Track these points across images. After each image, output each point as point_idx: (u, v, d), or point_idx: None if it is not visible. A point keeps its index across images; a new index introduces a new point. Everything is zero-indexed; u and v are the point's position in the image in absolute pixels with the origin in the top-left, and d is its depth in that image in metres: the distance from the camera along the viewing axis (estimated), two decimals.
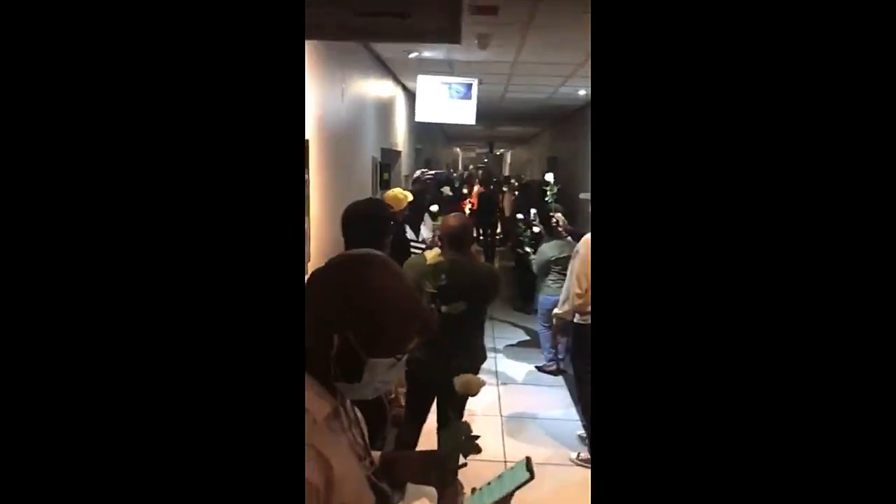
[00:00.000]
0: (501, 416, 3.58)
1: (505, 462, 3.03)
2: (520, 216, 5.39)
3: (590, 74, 5.35)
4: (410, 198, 3.69)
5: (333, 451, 0.77)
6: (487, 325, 5.04)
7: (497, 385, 4.04)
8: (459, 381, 1.18)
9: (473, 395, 1.17)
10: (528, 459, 0.90)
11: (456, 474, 0.96)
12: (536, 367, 4.37)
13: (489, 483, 0.90)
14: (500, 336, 5.12)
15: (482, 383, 1.17)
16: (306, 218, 2.84)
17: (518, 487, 0.87)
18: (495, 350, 4.61)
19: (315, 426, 0.76)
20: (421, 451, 1.13)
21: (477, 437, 1.00)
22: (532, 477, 0.88)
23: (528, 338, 5.06)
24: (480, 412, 3.52)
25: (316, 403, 0.77)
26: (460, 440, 0.99)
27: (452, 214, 2.57)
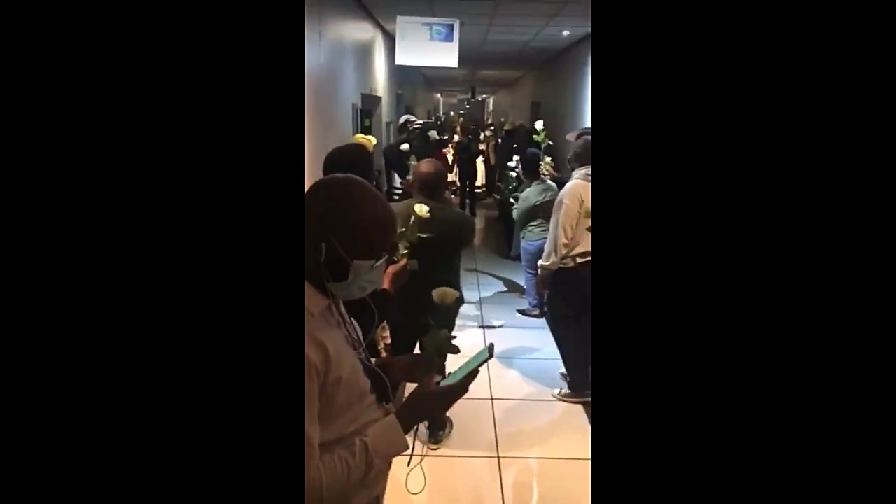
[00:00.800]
0: None
1: (492, 400, 3.15)
2: (511, 163, 5.33)
3: (573, 14, 5.20)
4: (374, 141, 3.69)
5: (329, 337, 0.92)
6: (472, 276, 5.08)
7: (482, 328, 4.15)
8: (437, 292, 1.31)
9: (448, 304, 1.31)
10: (492, 345, 1.05)
11: (438, 371, 1.09)
12: (518, 310, 4.47)
13: (459, 367, 1.05)
14: (483, 284, 5.21)
15: (455, 294, 1.31)
16: None
17: (481, 364, 1.02)
18: (481, 301, 4.71)
19: (312, 319, 0.92)
20: (407, 355, 1.30)
21: (454, 336, 1.15)
22: (491, 356, 1.03)
23: (505, 289, 5.14)
24: (465, 354, 3.62)
25: (312, 300, 0.93)
26: (440, 342, 1.13)
27: (424, 160, 2.57)
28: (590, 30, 6.11)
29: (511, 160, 5.32)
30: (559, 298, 3.05)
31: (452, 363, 1.19)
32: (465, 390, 1.00)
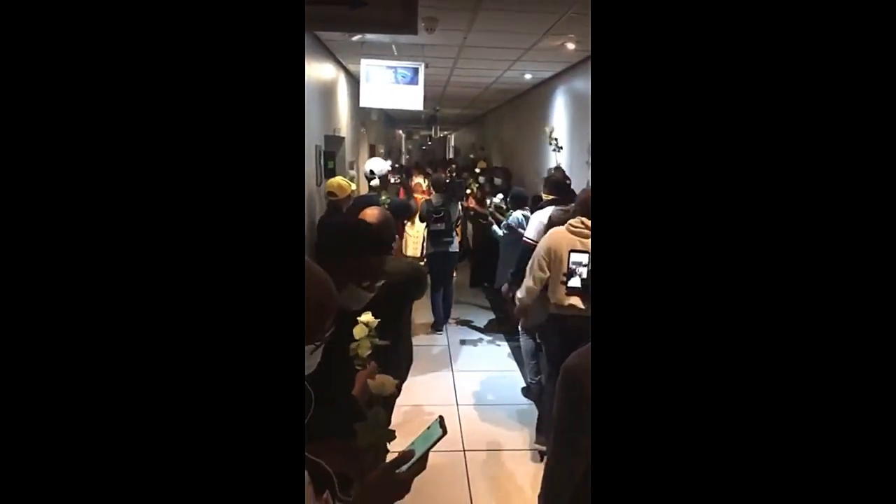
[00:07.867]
0: (457, 405, 3.60)
1: (464, 451, 3.05)
2: (499, 198, 5.21)
3: (534, 60, 5.33)
4: (353, 186, 3.66)
5: None
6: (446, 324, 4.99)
7: (452, 373, 4.06)
8: (374, 382, 1.24)
9: (387, 395, 1.24)
10: (441, 418, 0.99)
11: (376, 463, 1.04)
12: (522, 388, 3.81)
13: (412, 443, 0.99)
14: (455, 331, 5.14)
15: (395, 382, 1.25)
16: None
17: (433, 444, 0.97)
18: (449, 344, 4.63)
19: None
20: (338, 443, 1.17)
21: (393, 432, 1.11)
22: (444, 433, 0.96)
23: (480, 336, 5.10)
24: (437, 402, 3.53)
25: None
26: (378, 434, 1.09)
27: (370, 209, 2.30)
28: (548, 75, 6.29)
29: (495, 197, 5.28)
30: (551, 335, 2.91)
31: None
32: (423, 468, 0.96)
